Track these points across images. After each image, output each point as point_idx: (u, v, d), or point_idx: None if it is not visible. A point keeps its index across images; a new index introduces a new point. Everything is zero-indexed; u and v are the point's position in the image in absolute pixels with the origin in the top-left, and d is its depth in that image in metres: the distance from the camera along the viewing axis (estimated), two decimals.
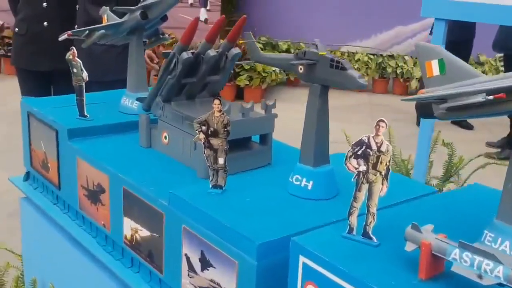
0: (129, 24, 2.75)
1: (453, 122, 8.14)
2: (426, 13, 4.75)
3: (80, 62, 2.62)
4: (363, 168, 1.63)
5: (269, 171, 2.34)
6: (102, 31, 2.78)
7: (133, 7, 2.72)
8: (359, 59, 9.21)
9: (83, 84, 2.65)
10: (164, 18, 2.77)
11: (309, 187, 2.04)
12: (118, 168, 2.35)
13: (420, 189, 2.22)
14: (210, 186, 2.06)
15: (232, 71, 8.67)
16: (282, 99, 8.79)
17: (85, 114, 2.71)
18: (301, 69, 2.05)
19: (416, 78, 9.01)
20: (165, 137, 2.49)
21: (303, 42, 2.33)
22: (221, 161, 2.03)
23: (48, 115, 2.75)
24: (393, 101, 9.11)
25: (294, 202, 2.02)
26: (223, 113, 1.99)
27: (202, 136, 2.02)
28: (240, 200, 2.01)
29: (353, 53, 9.28)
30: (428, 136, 4.91)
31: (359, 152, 1.63)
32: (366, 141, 1.62)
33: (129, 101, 2.83)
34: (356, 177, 1.65)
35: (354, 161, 1.65)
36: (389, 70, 9.16)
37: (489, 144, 7.25)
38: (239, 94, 8.79)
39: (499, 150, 7.10)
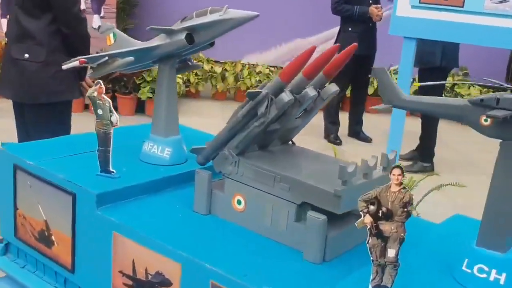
0: (167, 49, 1.99)
1: (350, 135, 7.84)
2: (394, 31, 4.30)
3: (110, 101, 1.84)
4: None
5: None
6: (130, 58, 1.98)
7: (174, 28, 1.96)
8: (260, 71, 8.68)
9: (111, 131, 1.86)
10: (212, 43, 2.04)
11: (502, 281, 1.45)
12: (193, 252, 1.61)
13: None
14: (371, 286, 1.40)
15: (133, 83, 7.80)
16: (184, 111, 8.06)
17: (111, 169, 1.92)
18: (486, 120, 1.45)
19: None
20: (239, 201, 1.78)
21: None
22: (391, 253, 1.39)
23: (55, 172, 1.93)
24: None
25: None
26: (403, 187, 1.34)
27: (369, 219, 1.36)
28: None
29: (253, 65, 8.74)
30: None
31: None
32: None
33: (157, 148, 2.07)
34: None
35: None
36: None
37: (401, 157, 6.97)
38: (140, 108, 7.94)
39: (410, 163, 6.85)
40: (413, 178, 4.60)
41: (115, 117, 1.86)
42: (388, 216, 1.35)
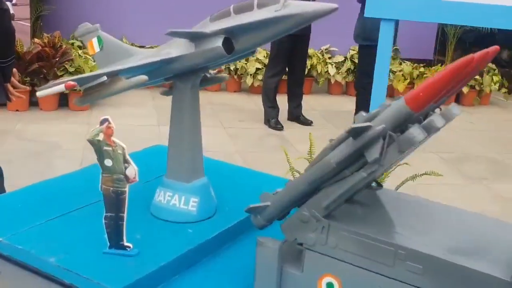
0: (195, 60, 1.33)
1: (290, 119, 7.32)
2: (371, 13, 3.76)
3: (124, 147, 1.17)
4: None
5: None
6: (143, 77, 1.30)
7: (205, 31, 1.30)
8: None
9: (127, 190, 1.20)
10: (254, 51, 1.40)
11: None
12: None
13: None
14: None
15: (54, 75, 6.89)
16: (110, 103, 7.25)
17: (126, 243, 1.25)
18: None
19: (250, 74, 8.02)
20: (330, 285, 1.18)
21: None
22: None
23: (41, 253, 1.24)
24: (231, 100, 8.07)
25: None
26: None
27: None
28: None
29: None
30: None
31: None
32: None
33: (179, 200, 1.42)
34: None
35: None
36: (222, 66, 8.06)
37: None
38: (63, 101, 7.03)
39: None
40: None
41: (132, 169, 1.19)
42: None
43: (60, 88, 1.30)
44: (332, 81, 8.43)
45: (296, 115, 7.29)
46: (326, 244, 1.17)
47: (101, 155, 1.19)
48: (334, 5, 1.23)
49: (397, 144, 1.07)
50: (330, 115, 7.70)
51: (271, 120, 7.04)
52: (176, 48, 1.36)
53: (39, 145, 5.80)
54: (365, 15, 3.75)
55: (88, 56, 7.25)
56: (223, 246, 1.41)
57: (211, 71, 1.56)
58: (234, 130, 6.83)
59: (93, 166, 1.52)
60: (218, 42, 1.29)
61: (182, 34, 1.34)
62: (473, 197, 5.19)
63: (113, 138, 1.18)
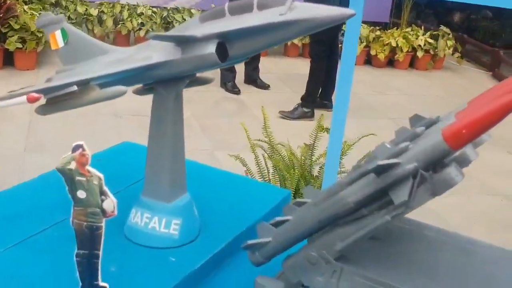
0: (183, 67, 1.13)
1: (247, 82, 7.09)
2: None
3: (101, 177, 0.97)
4: None
5: None
6: (121, 88, 1.08)
7: (194, 34, 1.09)
8: (142, 13, 7.56)
9: (103, 225, 1.01)
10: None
11: None
12: None
13: None
14: None
15: None
16: (52, 63, 6.84)
17: (101, 283, 1.07)
18: None
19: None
20: None
21: None
22: None
23: None
24: None
25: None
26: None
27: None
28: None
29: (134, 5, 7.61)
30: (341, 127, 3.76)
31: None
32: None
33: (158, 222, 1.23)
34: None
35: None
36: (176, 24, 7.71)
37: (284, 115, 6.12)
38: (8, 60, 6.63)
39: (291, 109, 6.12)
40: (347, 142, 4.02)
41: (110, 201, 1.00)
42: None
43: (21, 100, 1.08)
44: (289, 43, 8.21)
45: (253, 78, 7.08)
46: None
47: (73, 186, 0.99)
48: (351, 11, 1.04)
49: (430, 185, 0.91)
50: (287, 78, 7.52)
51: (228, 83, 6.81)
52: (158, 52, 1.14)
53: None
54: None
55: (34, 12, 6.81)
56: (209, 274, 1.24)
57: None
58: (188, 93, 6.39)
59: (51, 173, 1.31)
60: (211, 49, 1.08)
61: (168, 38, 1.12)
62: None
63: (87, 167, 0.97)
